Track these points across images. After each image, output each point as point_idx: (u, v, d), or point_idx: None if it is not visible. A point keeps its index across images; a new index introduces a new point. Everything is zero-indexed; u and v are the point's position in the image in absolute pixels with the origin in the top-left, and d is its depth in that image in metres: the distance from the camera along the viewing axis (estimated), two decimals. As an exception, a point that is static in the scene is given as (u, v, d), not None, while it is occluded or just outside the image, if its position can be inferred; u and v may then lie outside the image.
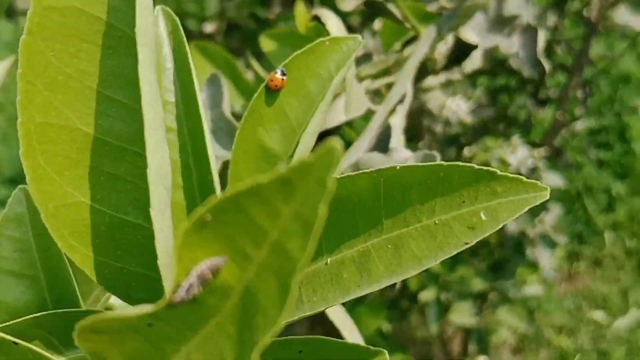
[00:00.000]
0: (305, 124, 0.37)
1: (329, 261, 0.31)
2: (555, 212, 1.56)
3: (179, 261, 0.20)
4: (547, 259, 1.53)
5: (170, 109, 0.34)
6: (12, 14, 1.36)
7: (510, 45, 0.52)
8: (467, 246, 0.31)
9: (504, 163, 1.51)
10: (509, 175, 0.31)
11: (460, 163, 0.32)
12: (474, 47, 0.51)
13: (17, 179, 2.33)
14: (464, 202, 0.30)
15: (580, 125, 1.51)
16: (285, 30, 0.56)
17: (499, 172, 0.31)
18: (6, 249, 0.31)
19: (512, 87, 1.59)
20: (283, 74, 0.38)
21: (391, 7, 0.52)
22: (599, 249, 1.93)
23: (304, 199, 0.18)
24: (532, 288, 1.64)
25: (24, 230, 0.31)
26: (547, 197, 0.33)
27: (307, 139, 0.36)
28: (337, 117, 0.44)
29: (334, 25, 0.44)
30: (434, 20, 0.53)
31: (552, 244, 1.53)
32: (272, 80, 0.38)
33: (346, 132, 0.48)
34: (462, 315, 1.62)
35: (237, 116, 0.56)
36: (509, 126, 1.66)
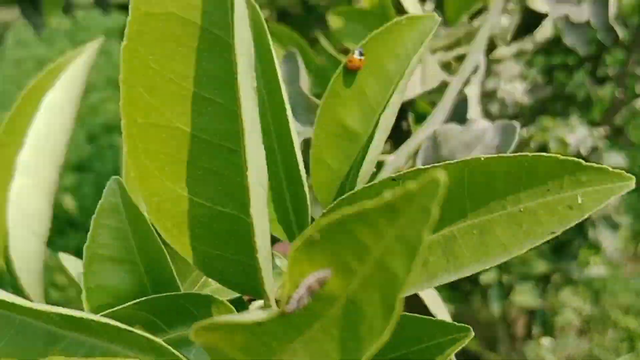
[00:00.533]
0: (384, 103, 0.38)
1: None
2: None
3: (290, 275, 0.22)
4: (610, 241, 1.51)
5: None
6: (69, 8, 1.40)
7: (581, 13, 0.52)
8: (553, 235, 0.31)
9: (562, 143, 1.50)
10: (594, 166, 0.31)
11: (544, 154, 0.32)
12: (544, 16, 0.51)
13: (81, 166, 2.40)
14: (549, 190, 0.31)
15: (641, 103, 1.49)
16: (352, 7, 0.57)
17: (583, 163, 0.31)
18: (105, 237, 0.33)
19: (569, 66, 1.57)
20: (361, 54, 0.39)
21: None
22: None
23: (408, 224, 0.19)
24: (596, 269, 1.62)
25: (119, 219, 0.33)
26: (633, 187, 0.32)
27: (387, 118, 0.37)
28: (413, 89, 0.45)
29: (408, 2, 0.45)
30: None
31: (614, 226, 1.51)
32: (350, 61, 0.39)
33: (421, 106, 0.49)
34: (526, 296, 1.62)
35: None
36: (567, 105, 1.64)
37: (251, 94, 0.24)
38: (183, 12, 0.25)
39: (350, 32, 0.55)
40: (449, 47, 0.51)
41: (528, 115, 1.64)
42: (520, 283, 1.60)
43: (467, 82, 0.46)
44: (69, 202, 2.23)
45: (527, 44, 0.51)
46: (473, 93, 0.45)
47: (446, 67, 0.54)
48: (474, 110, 0.44)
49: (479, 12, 0.56)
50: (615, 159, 1.61)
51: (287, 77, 0.45)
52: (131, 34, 0.25)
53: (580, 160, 0.32)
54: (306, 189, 0.34)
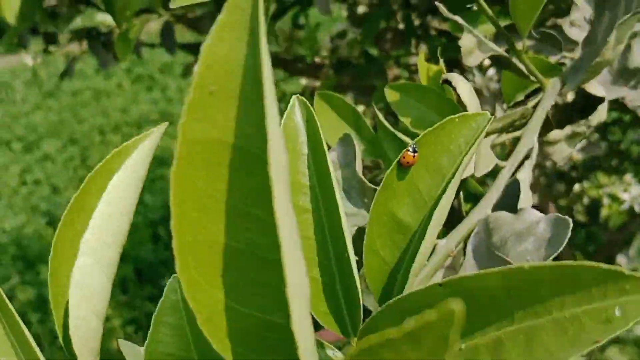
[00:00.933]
0: (436, 197, 0.40)
1: (463, 346, 0.32)
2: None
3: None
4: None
5: (305, 191, 0.38)
6: (138, 47, 1.44)
7: (637, 97, 0.53)
8: (598, 344, 0.31)
9: (616, 200, 1.48)
10: (636, 275, 0.31)
11: (586, 263, 0.32)
12: (601, 99, 0.51)
13: (160, 222, 2.43)
14: (593, 298, 0.31)
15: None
16: (409, 83, 0.58)
17: (626, 272, 0.31)
18: (164, 335, 0.35)
19: (625, 122, 1.55)
20: (414, 151, 0.40)
21: (516, 61, 0.53)
22: None
23: (429, 350, 0.21)
24: (644, 328, 1.59)
25: (178, 316, 0.35)
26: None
27: (439, 213, 0.38)
28: (466, 172, 0.45)
29: (465, 91, 0.45)
30: (557, 72, 0.54)
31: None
32: (404, 157, 0.41)
33: (471, 184, 0.50)
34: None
35: (364, 166, 0.59)
36: (622, 162, 1.62)
37: (287, 206, 0.25)
38: (225, 137, 0.26)
39: (405, 106, 0.56)
40: (503, 129, 0.51)
41: (582, 168, 1.62)
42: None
43: (520, 166, 0.46)
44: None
45: (581, 127, 0.52)
46: (525, 178, 0.46)
47: (501, 147, 0.55)
48: (525, 196, 0.44)
49: (535, 91, 0.57)
50: (669, 218, 1.58)
51: (342, 159, 0.46)
52: (180, 159, 0.27)
53: (623, 269, 0.32)
54: (357, 282, 0.35)
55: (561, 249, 0.37)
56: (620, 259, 1.53)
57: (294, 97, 0.39)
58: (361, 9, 1.39)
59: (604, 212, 1.49)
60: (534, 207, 0.43)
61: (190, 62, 1.48)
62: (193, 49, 1.42)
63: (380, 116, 0.55)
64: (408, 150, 0.40)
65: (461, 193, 0.49)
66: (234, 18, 0.25)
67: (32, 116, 3.72)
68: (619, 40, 0.48)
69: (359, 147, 0.45)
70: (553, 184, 1.53)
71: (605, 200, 1.41)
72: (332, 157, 0.46)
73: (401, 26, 1.26)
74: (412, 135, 0.55)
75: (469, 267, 0.40)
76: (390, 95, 0.57)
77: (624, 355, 1.55)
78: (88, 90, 3.88)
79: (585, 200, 1.54)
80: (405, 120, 0.56)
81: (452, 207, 0.48)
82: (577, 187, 1.53)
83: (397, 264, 0.39)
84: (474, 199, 0.50)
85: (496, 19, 0.50)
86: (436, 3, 0.49)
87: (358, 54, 1.27)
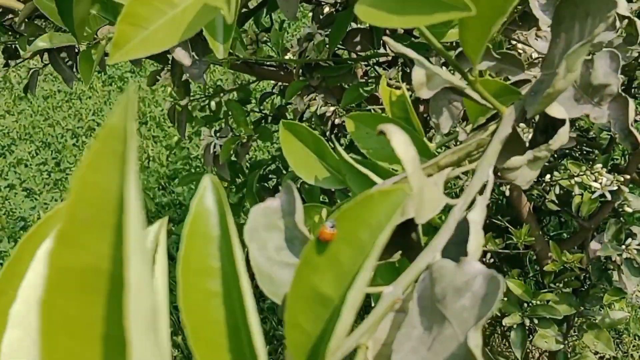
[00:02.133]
0: (356, 269, 0.40)
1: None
2: (640, 237, 1.53)
3: None
4: (634, 285, 1.50)
5: (215, 274, 0.38)
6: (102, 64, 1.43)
7: (601, 114, 0.53)
8: None
9: (587, 189, 1.50)
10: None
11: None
12: (562, 122, 0.51)
13: None
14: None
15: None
16: (366, 112, 0.58)
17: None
18: None
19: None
20: (332, 227, 0.41)
21: (469, 92, 0.53)
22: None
23: None
24: (619, 313, 1.61)
25: None
26: None
27: (359, 284, 0.39)
28: (407, 214, 0.45)
29: (399, 144, 0.45)
30: (516, 96, 0.54)
31: (638, 272, 1.50)
32: (321, 234, 0.41)
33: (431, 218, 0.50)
34: (548, 340, 1.61)
35: (326, 191, 0.58)
36: (591, 150, 1.64)
37: (141, 327, 0.25)
38: (100, 264, 0.26)
39: (364, 137, 0.56)
40: (459, 162, 0.51)
41: (551, 159, 1.63)
42: (544, 326, 1.60)
43: (472, 204, 0.46)
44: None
45: (542, 152, 0.51)
46: (477, 218, 0.45)
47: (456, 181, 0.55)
48: (475, 239, 0.44)
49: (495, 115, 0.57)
50: (639, 204, 1.60)
51: (285, 208, 0.46)
52: (50, 287, 0.26)
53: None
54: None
55: (493, 309, 0.37)
56: (594, 245, 1.55)
57: (205, 177, 0.39)
58: (326, 9, 1.38)
59: (576, 200, 1.51)
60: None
61: (156, 69, 1.46)
62: (159, 57, 1.40)
63: (339, 148, 0.55)
64: (325, 228, 0.40)
65: (420, 226, 0.49)
66: (108, 148, 0.25)
67: (3, 121, 3.68)
68: (569, 69, 0.48)
69: (298, 195, 0.45)
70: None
71: (577, 190, 1.43)
72: (276, 205, 0.46)
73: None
74: (376, 168, 0.55)
75: (414, 316, 0.40)
76: (350, 125, 0.57)
77: (600, 340, 1.57)
78: (60, 92, 3.84)
79: (557, 190, 1.56)
80: (366, 152, 0.56)
81: (410, 241, 0.49)
82: (547, 177, 1.54)
83: (320, 336, 0.40)
84: (433, 231, 0.50)
85: (445, 50, 0.50)
86: (384, 38, 0.48)
87: (327, 56, 1.27)
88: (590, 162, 1.49)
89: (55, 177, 3.21)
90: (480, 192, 0.47)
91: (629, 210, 1.56)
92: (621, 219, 1.54)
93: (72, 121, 3.59)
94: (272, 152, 2.96)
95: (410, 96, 0.58)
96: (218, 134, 1.33)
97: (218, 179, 0.37)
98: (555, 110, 0.54)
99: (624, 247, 1.49)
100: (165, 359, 0.26)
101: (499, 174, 0.52)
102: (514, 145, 0.54)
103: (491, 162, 0.49)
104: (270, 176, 1.46)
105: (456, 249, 0.46)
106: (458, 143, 0.57)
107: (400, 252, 0.50)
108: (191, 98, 1.38)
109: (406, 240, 0.50)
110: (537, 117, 0.56)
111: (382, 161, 0.55)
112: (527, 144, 0.59)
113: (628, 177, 1.47)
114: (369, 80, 1.34)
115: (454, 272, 0.40)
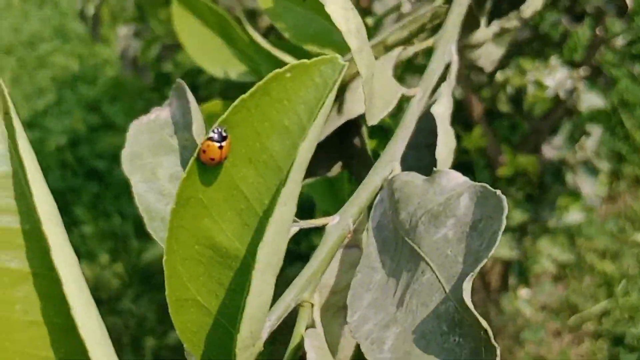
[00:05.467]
0: (268, 201, 0.26)
1: None
2: (596, 136, 1.46)
3: None
4: (589, 187, 1.44)
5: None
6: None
7: None
8: None
9: (540, 86, 1.41)
10: None
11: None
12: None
13: (30, 123, 2.27)
14: None
15: (621, 42, 1.39)
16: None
17: None
18: None
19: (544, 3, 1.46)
20: (222, 137, 0.26)
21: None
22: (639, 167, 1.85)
23: None
24: (574, 215, 1.56)
25: None
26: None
27: (275, 230, 0.24)
28: (355, 110, 0.33)
29: (336, 8, 0.30)
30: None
31: (594, 171, 1.44)
32: (204, 152, 0.26)
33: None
34: (501, 247, 1.56)
35: (238, 84, 0.46)
36: (543, 46, 1.54)
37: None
38: None
39: (281, 11, 0.43)
40: (410, 39, 0.40)
41: (503, 57, 1.53)
42: (496, 234, 1.54)
43: (434, 92, 0.34)
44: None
45: (512, 21, 0.40)
46: (443, 112, 0.34)
47: (412, 63, 0.43)
48: (444, 137, 0.32)
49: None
50: (594, 100, 1.52)
51: (178, 119, 0.33)
52: None
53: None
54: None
55: (496, 245, 0.25)
56: (546, 148, 1.48)
57: None
58: None
59: (528, 100, 1.43)
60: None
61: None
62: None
63: (250, 29, 0.43)
64: (210, 140, 0.26)
65: (364, 127, 0.38)
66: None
67: None
68: None
69: (194, 100, 0.32)
70: (475, 75, 1.45)
71: (531, 87, 1.34)
72: (165, 117, 0.33)
73: None
74: (299, 52, 0.43)
75: (371, 255, 0.29)
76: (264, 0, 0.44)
77: (555, 245, 1.53)
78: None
79: (509, 90, 1.47)
80: (284, 30, 0.43)
81: (353, 148, 0.37)
82: (499, 76, 1.44)
83: (226, 314, 0.26)
84: (383, 134, 0.38)
85: None
86: None
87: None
88: (544, 58, 1.40)
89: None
90: (443, 77, 0.36)
91: (584, 108, 1.49)
92: (574, 118, 1.47)
93: (-12, 40, 3.35)
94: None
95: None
96: (135, 33, 1.17)
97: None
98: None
99: (578, 147, 1.42)
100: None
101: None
102: (468, 19, 0.42)
103: (453, 37, 0.37)
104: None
105: (418, 156, 0.34)
106: (400, 17, 0.46)
107: (339, 164, 0.38)
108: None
109: (347, 147, 0.38)
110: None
111: (307, 43, 0.42)
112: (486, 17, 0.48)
113: (582, 72, 1.39)
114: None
115: (425, 190, 0.28)
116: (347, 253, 0.31)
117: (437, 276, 0.26)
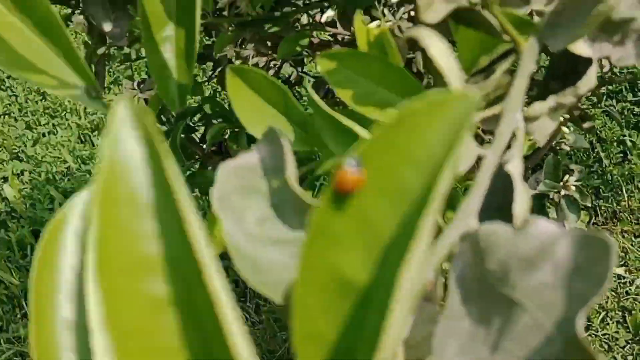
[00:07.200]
0: (401, 234, 0.25)
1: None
2: (577, 174, 1.50)
3: None
4: (572, 222, 1.47)
5: (155, 267, 0.23)
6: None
7: (626, 55, 0.43)
8: None
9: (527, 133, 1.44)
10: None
11: None
12: (588, 61, 0.42)
13: (20, 156, 2.23)
14: None
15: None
16: (344, 50, 0.46)
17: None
18: None
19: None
20: (357, 165, 0.26)
21: (486, 14, 0.42)
22: (617, 203, 1.89)
23: None
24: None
25: None
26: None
27: (412, 261, 0.23)
28: None
29: (440, 54, 0.32)
30: (530, 29, 0.44)
31: (577, 208, 1.47)
32: (340, 181, 0.25)
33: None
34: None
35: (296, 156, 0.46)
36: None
37: None
38: None
39: (343, 79, 0.44)
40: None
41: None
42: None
43: (505, 154, 0.36)
44: (9, 192, 2.09)
45: (568, 97, 0.42)
46: (517, 170, 0.35)
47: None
48: (521, 195, 0.34)
49: (503, 55, 0.46)
50: (579, 142, 1.57)
51: (268, 163, 0.33)
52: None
53: None
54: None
55: (606, 285, 0.26)
56: (531, 184, 1.51)
57: (116, 104, 0.22)
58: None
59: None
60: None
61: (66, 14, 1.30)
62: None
63: (311, 90, 0.44)
64: (345, 168, 0.25)
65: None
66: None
67: None
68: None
69: (289, 145, 0.32)
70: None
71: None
72: (253, 161, 0.34)
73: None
74: (358, 117, 0.44)
75: (454, 305, 0.29)
76: (323, 64, 0.45)
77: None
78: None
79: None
80: (346, 97, 0.44)
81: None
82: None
83: (352, 348, 0.25)
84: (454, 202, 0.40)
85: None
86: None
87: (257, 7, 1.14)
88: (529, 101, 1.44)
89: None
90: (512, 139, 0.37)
91: (567, 148, 1.53)
92: (558, 156, 1.50)
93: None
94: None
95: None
96: (142, 86, 1.18)
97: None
98: (581, 47, 0.44)
99: (561, 184, 1.46)
100: None
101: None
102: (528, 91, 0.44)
103: (519, 104, 0.39)
104: (196, 125, 1.31)
105: (490, 215, 0.35)
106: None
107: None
108: (108, 45, 1.21)
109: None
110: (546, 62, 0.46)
111: (370, 108, 0.44)
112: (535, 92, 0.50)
113: (568, 116, 1.42)
114: (306, 30, 1.21)
115: (512, 238, 0.29)
116: (423, 307, 0.32)
117: (536, 317, 0.27)
